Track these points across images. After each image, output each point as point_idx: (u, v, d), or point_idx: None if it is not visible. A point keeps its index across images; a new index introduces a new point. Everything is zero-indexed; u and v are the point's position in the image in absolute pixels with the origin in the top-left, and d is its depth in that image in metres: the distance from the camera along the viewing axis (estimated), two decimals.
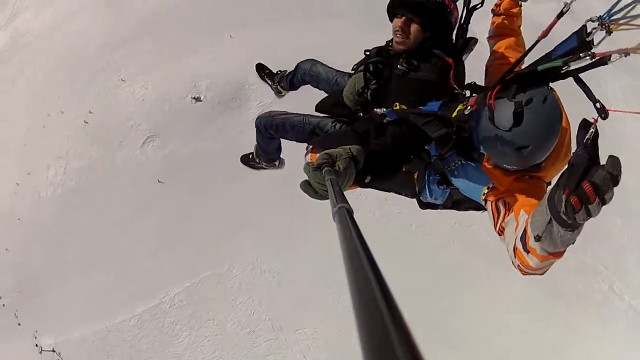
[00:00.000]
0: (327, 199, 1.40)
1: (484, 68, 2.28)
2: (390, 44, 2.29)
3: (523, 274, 1.58)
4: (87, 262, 5.45)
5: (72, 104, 5.49)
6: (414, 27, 2.11)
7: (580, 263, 5.38)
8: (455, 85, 2.08)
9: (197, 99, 5.07)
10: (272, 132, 2.62)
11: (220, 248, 5.15)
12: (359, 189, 2.05)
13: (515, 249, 1.51)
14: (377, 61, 2.21)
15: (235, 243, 5.16)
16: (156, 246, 5.22)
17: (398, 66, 2.12)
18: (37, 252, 5.55)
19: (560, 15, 1.45)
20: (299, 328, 5.10)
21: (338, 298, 4.94)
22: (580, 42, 1.41)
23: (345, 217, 0.75)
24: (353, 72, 2.46)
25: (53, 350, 5.47)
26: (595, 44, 1.40)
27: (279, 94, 3.36)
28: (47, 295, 5.44)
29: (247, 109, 5.16)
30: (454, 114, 1.76)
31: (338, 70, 2.68)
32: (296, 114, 2.56)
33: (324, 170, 1.41)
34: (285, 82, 3.12)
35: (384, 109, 2.05)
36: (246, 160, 3.42)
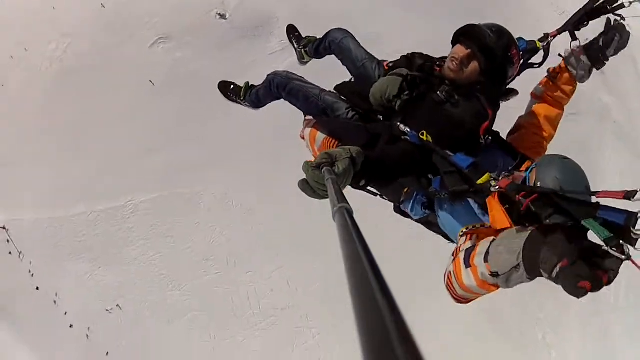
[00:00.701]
0: (325, 198, 1.44)
1: (516, 117, 2.30)
2: (438, 63, 2.19)
3: (453, 295, 1.66)
4: (62, 148, 5.31)
5: None
6: (473, 65, 2.03)
7: (525, 303, 5.52)
8: (482, 135, 2.02)
9: (222, 16, 4.95)
10: (282, 93, 2.51)
11: (197, 171, 5.08)
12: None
13: (454, 257, 1.60)
14: (419, 77, 2.11)
15: (213, 170, 5.09)
16: (136, 150, 5.12)
17: (438, 92, 2.05)
18: (15, 124, 5.37)
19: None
20: (250, 270, 5.08)
21: (297, 249, 4.94)
22: (626, 227, 1.32)
23: (345, 217, 0.75)
24: (387, 68, 2.34)
25: (3, 227, 5.33)
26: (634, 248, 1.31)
27: (301, 59, 3.21)
28: (13, 170, 5.29)
29: (267, 42, 5.06)
30: (480, 181, 1.69)
31: (368, 53, 2.53)
32: (313, 85, 2.44)
33: (323, 170, 1.42)
34: (311, 47, 2.97)
35: (407, 129, 1.96)
36: (226, 89, 3.18)
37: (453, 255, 1.75)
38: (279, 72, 2.56)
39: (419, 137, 1.89)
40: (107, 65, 5.10)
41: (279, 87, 2.49)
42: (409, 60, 2.27)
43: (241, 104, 3.11)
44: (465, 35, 2.04)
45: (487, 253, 1.51)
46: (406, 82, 2.09)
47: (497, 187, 1.63)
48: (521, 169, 1.83)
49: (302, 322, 5.08)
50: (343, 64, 2.59)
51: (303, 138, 2.58)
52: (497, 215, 1.62)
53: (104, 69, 5.11)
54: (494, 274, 1.41)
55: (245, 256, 5.08)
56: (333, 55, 2.69)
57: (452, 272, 1.65)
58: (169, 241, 5.09)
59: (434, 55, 2.31)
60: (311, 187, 1.46)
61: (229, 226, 5.07)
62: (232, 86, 3.14)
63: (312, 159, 1.61)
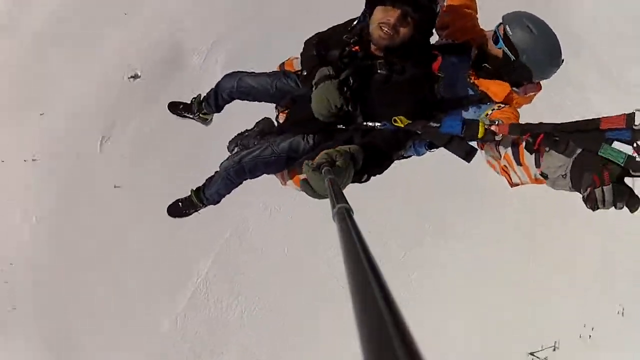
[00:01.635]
0: (326, 198, 1.43)
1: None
2: (354, 39, 1.92)
3: (509, 182, 1.73)
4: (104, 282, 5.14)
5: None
6: (406, 24, 1.77)
7: None
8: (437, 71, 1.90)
9: (135, 77, 4.79)
10: (246, 177, 2.31)
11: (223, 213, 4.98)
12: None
13: (496, 152, 1.71)
14: (350, 70, 1.89)
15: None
16: (161, 242, 5.00)
17: (378, 70, 1.86)
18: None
19: None
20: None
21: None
22: (633, 141, 1.31)
23: (345, 217, 0.75)
24: (301, 74, 2.09)
25: None
26: None
27: (205, 122, 2.97)
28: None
29: (188, 65, 4.93)
30: (481, 136, 1.62)
31: (269, 74, 2.33)
32: (260, 144, 2.25)
33: (323, 170, 1.42)
34: (208, 107, 2.74)
35: (377, 124, 1.85)
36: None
37: (487, 148, 1.79)
38: (223, 163, 2.34)
39: (394, 125, 1.79)
40: (83, 190, 4.94)
41: (238, 174, 2.30)
42: (319, 54, 2.01)
43: (197, 211, 2.85)
44: None
45: (537, 160, 1.53)
46: (340, 81, 1.86)
47: (500, 136, 1.62)
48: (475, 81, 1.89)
49: None
50: (259, 102, 2.42)
51: (285, 184, 2.40)
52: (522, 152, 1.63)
53: (83, 195, 4.95)
54: (544, 175, 1.48)
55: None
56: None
57: (507, 166, 1.68)
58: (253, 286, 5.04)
59: (333, 26, 2.08)
60: (311, 187, 1.46)
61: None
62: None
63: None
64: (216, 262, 5.05)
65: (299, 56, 2.21)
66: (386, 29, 1.77)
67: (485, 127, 1.61)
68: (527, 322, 5.52)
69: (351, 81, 1.88)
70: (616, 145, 1.31)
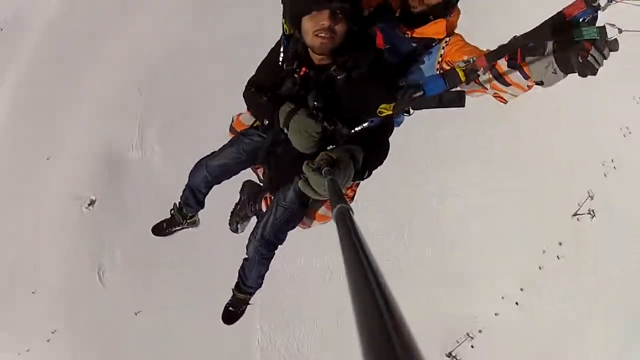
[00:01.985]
0: (326, 198, 1.46)
1: None
2: (296, 60, 1.85)
3: (502, 101, 1.78)
4: None
5: None
6: (340, 22, 1.69)
7: None
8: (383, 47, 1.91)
9: (92, 203, 4.76)
10: (277, 245, 2.28)
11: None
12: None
13: (480, 86, 1.72)
14: (317, 92, 1.82)
15: None
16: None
17: (338, 77, 1.80)
18: None
19: None
20: None
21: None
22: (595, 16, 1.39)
23: (345, 217, 0.76)
24: (269, 122, 1.92)
25: None
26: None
27: (194, 224, 2.85)
28: None
29: (132, 163, 4.94)
30: (463, 78, 1.64)
31: (230, 143, 2.23)
32: (267, 212, 2.21)
33: (323, 170, 1.43)
34: (189, 209, 2.62)
35: (364, 124, 1.81)
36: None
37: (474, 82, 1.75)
38: (250, 247, 2.29)
39: (381, 116, 1.77)
40: None
41: (269, 247, 2.26)
42: (269, 98, 1.91)
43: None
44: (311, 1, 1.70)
45: (523, 73, 1.57)
46: (307, 108, 1.78)
47: (482, 71, 1.63)
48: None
49: None
50: (236, 174, 2.32)
51: (310, 226, 2.38)
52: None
53: None
54: (539, 83, 1.54)
55: None
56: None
57: (497, 92, 1.71)
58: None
59: (262, 67, 2.03)
60: (311, 188, 1.46)
61: None
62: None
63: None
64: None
65: (246, 110, 2.21)
66: (323, 34, 1.69)
67: (463, 69, 1.63)
68: None
69: (316, 102, 1.81)
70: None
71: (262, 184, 2.69)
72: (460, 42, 1.86)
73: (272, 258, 2.35)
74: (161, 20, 5.87)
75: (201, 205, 2.57)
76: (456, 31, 1.97)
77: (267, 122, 1.90)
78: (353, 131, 1.83)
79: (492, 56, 1.55)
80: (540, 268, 11.66)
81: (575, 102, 6.90)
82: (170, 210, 2.76)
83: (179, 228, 2.84)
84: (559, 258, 12.20)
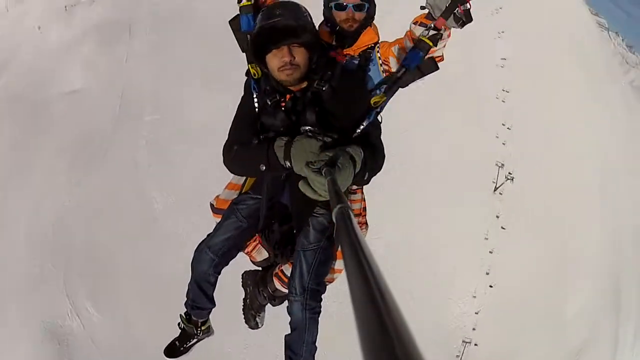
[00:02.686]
0: (325, 198, 1.47)
1: None
2: (275, 94, 1.92)
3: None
4: None
5: None
6: (300, 52, 1.84)
7: None
8: (340, 58, 2.19)
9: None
10: (323, 291, 2.11)
11: None
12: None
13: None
14: (309, 111, 1.87)
15: None
16: None
17: (323, 89, 1.89)
18: None
19: None
20: None
21: None
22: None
23: (345, 217, 0.77)
24: (266, 167, 1.85)
25: None
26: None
27: (209, 333, 2.57)
28: None
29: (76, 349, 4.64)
30: (430, 43, 2.00)
31: (225, 217, 2.20)
32: (293, 265, 2.09)
33: (323, 171, 1.46)
34: (199, 312, 2.38)
35: (362, 126, 1.96)
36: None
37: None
38: (294, 314, 2.05)
39: (376, 106, 2.02)
40: None
41: (316, 296, 2.05)
42: (260, 141, 1.92)
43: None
44: (270, 38, 1.82)
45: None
46: (304, 133, 1.82)
47: (443, 28, 2.02)
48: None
49: None
50: (242, 248, 2.27)
51: (333, 279, 2.26)
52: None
53: None
54: (445, 15, 1.95)
55: None
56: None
57: (440, 51, 2.11)
58: None
59: (236, 120, 2.07)
60: (312, 188, 1.48)
61: None
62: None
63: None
64: None
65: (233, 178, 2.25)
66: (287, 68, 1.82)
67: (429, 37, 2.00)
68: None
69: (309, 126, 1.85)
70: None
71: (261, 266, 2.53)
72: (385, 42, 2.21)
73: (320, 312, 2.10)
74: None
75: (212, 302, 2.32)
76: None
77: (264, 167, 1.82)
78: (354, 135, 1.93)
79: (446, 14, 1.94)
80: (490, 252, 12.54)
81: None
82: (179, 324, 2.51)
83: (194, 341, 2.52)
84: (504, 228, 13.24)
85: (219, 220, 2.25)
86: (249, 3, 2.03)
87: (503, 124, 14.94)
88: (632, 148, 17.84)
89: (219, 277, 2.21)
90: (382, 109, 2.11)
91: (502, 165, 14.65)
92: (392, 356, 0.35)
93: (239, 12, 2.06)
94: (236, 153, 1.96)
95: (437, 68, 2.06)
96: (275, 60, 1.83)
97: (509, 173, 14.46)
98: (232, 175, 2.27)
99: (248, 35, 2.03)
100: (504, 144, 14.57)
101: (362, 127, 1.96)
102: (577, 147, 15.23)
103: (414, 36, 2.06)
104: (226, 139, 2.03)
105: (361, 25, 2.20)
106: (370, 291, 0.45)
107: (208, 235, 2.20)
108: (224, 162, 2.01)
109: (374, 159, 1.85)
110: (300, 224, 2.10)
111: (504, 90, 15.32)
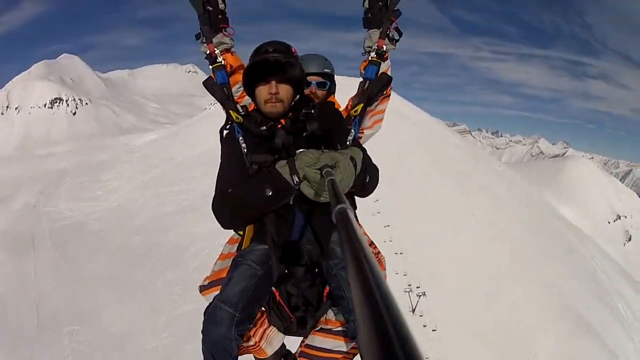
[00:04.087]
0: (326, 199, 1.57)
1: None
2: (267, 122, 2.02)
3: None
4: None
5: None
6: (285, 88, 2.00)
7: None
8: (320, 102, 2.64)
9: None
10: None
11: None
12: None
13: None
14: (310, 125, 2.01)
15: None
16: None
17: (312, 111, 2.05)
18: None
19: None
20: None
21: None
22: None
23: (344, 217, 0.79)
24: (272, 195, 1.84)
25: None
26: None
27: None
28: None
29: None
30: (377, 59, 2.44)
31: (233, 268, 1.91)
32: (339, 287, 1.86)
33: (324, 172, 1.52)
34: None
35: (352, 136, 2.13)
36: None
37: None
38: None
39: (357, 119, 2.35)
40: None
41: None
42: (255, 172, 1.94)
43: None
44: (260, 71, 1.97)
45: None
46: (302, 153, 1.83)
47: (384, 47, 2.44)
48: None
49: None
50: (262, 301, 1.94)
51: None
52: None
53: None
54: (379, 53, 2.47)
55: None
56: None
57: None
58: None
59: (227, 164, 2.07)
60: (312, 188, 1.57)
61: None
62: None
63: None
64: None
65: (233, 231, 2.12)
66: (273, 102, 1.98)
67: (377, 57, 2.41)
68: None
69: (306, 143, 1.95)
70: None
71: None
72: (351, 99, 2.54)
73: None
74: None
75: None
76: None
77: (270, 191, 1.80)
78: (347, 143, 2.06)
79: (382, 35, 2.39)
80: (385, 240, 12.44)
81: None
82: None
83: None
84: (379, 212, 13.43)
85: (213, 294, 1.87)
86: (221, 64, 2.29)
87: None
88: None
89: None
90: (361, 117, 2.39)
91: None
92: (391, 356, 0.36)
93: (212, 73, 2.30)
94: (233, 193, 1.92)
95: (390, 77, 2.44)
96: (263, 92, 1.99)
97: None
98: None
99: (224, 88, 2.23)
100: None
101: (350, 138, 2.10)
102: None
103: (365, 64, 2.47)
104: (214, 193, 1.98)
105: (322, 102, 2.62)
106: (370, 291, 0.46)
107: (219, 292, 1.82)
108: (217, 213, 1.94)
109: (371, 162, 1.95)
110: (326, 244, 1.94)
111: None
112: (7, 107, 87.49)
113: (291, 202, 1.85)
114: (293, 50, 2.04)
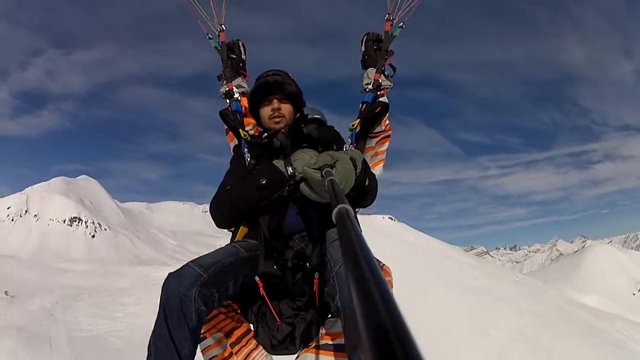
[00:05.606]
0: (326, 199, 1.60)
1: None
2: (267, 137, 2.19)
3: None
4: None
5: None
6: (286, 107, 2.22)
7: None
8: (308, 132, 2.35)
9: None
10: None
11: None
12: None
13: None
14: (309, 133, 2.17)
15: None
16: None
17: (310, 124, 2.22)
18: None
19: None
20: None
21: None
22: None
23: (345, 217, 0.78)
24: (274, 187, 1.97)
25: None
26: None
27: None
28: None
29: None
30: (374, 91, 2.51)
31: (223, 247, 1.92)
32: (336, 283, 1.72)
33: (324, 172, 1.52)
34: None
35: (349, 143, 2.32)
36: None
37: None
38: None
39: (354, 134, 2.38)
40: None
41: None
42: (249, 164, 2.17)
43: None
44: (262, 91, 2.22)
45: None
46: (302, 149, 2.08)
47: (380, 80, 2.52)
48: None
49: None
50: (239, 278, 1.83)
51: None
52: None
53: None
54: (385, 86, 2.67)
55: None
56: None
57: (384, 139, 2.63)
58: None
59: (229, 177, 2.23)
60: (312, 188, 1.62)
61: None
62: None
63: None
64: None
65: (244, 238, 2.06)
66: (275, 116, 2.19)
67: (374, 89, 2.49)
68: None
69: (306, 143, 2.15)
70: None
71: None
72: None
73: None
74: None
75: (194, 335, 1.63)
76: None
77: (264, 180, 1.90)
78: (346, 150, 2.18)
79: (379, 68, 2.51)
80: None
81: None
82: None
83: None
84: None
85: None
86: (237, 98, 2.52)
87: None
88: None
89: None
90: (359, 135, 2.43)
91: None
92: (391, 356, 0.35)
93: (228, 104, 2.53)
94: (230, 188, 2.06)
95: (387, 103, 2.45)
96: (267, 110, 2.21)
97: None
98: None
99: (237, 115, 2.43)
100: None
101: (346, 147, 2.24)
102: None
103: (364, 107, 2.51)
104: (214, 195, 2.11)
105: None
106: (370, 291, 0.46)
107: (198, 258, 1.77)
108: (212, 208, 2.06)
109: (370, 170, 1.97)
110: (320, 240, 1.90)
111: None
112: (26, 211, 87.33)
113: (286, 202, 1.92)
114: (291, 76, 2.28)
